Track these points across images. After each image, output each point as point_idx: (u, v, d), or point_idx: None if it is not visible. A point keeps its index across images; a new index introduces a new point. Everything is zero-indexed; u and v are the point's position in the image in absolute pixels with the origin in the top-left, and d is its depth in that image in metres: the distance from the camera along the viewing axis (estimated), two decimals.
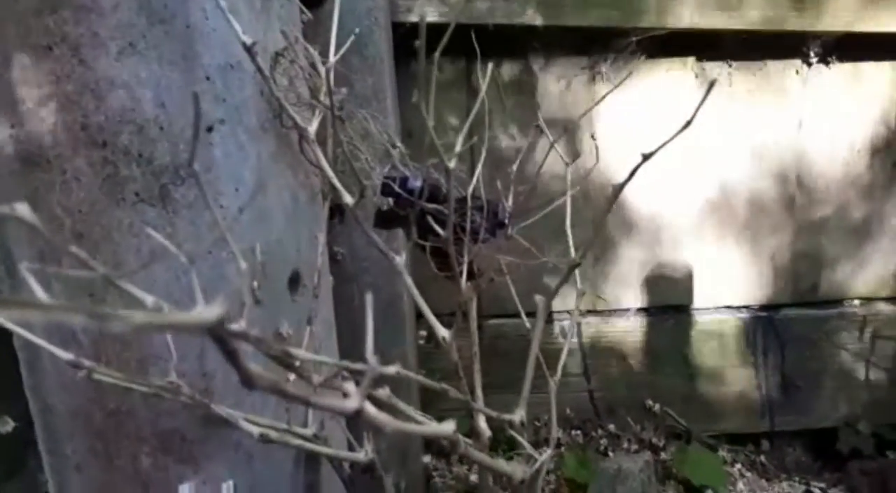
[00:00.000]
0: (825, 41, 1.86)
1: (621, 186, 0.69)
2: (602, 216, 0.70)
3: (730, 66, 1.91)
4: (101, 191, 0.73)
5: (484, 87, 0.71)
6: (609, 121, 1.87)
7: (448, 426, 0.64)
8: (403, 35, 1.57)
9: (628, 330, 2.00)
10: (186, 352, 0.78)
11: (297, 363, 0.63)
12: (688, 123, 0.61)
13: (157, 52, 0.72)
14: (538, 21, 1.68)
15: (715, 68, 1.90)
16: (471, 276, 0.89)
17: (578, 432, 1.97)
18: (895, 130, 2.00)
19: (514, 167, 0.92)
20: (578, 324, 1.89)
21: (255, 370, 0.51)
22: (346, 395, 0.64)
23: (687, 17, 1.73)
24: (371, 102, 1.32)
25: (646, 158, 0.65)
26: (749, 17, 1.75)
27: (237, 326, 0.56)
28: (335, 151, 0.85)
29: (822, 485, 1.97)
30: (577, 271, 1.01)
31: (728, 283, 2.04)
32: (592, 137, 1.89)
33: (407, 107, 1.62)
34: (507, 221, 0.90)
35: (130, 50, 0.71)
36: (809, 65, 1.93)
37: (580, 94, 1.86)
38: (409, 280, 0.80)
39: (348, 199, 0.78)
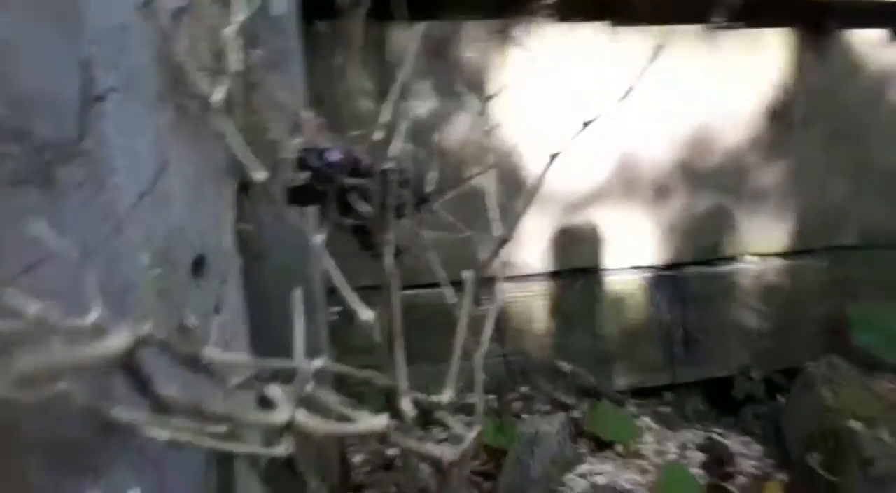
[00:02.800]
0: (729, 5, 1.89)
1: (555, 157, 0.66)
2: (535, 187, 0.66)
3: (643, 30, 1.91)
4: None
5: (410, 58, 0.66)
6: (522, 85, 1.84)
7: (380, 421, 0.60)
8: None
9: (539, 293, 2.02)
10: None
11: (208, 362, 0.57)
12: (626, 94, 0.58)
13: (32, 10, 0.62)
14: None
15: (629, 32, 1.90)
16: (395, 253, 0.84)
17: (493, 396, 1.97)
18: (792, 94, 2.07)
19: (437, 138, 0.87)
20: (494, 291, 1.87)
21: (170, 397, 0.45)
22: (269, 401, 0.58)
23: None
24: (278, 67, 1.22)
25: (585, 125, 0.62)
26: None
27: (144, 329, 0.50)
28: (243, 122, 0.77)
29: (721, 430, 2.07)
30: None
31: (634, 244, 2.08)
32: (496, 95, 1.85)
33: (316, 71, 1.53)
34: (429, 196, 0.85)
35: None
36: (714, 29, 1.95)
37: (494, 57, 1.82)
38: (330, 263, 0.74)
39: (260, 175, 0.71)
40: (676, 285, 2.11)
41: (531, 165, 1.92)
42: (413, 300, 1.85)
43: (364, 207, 0.74)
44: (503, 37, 1.82)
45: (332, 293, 1.57)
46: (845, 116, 2.14)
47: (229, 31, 0.68)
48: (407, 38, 1.67)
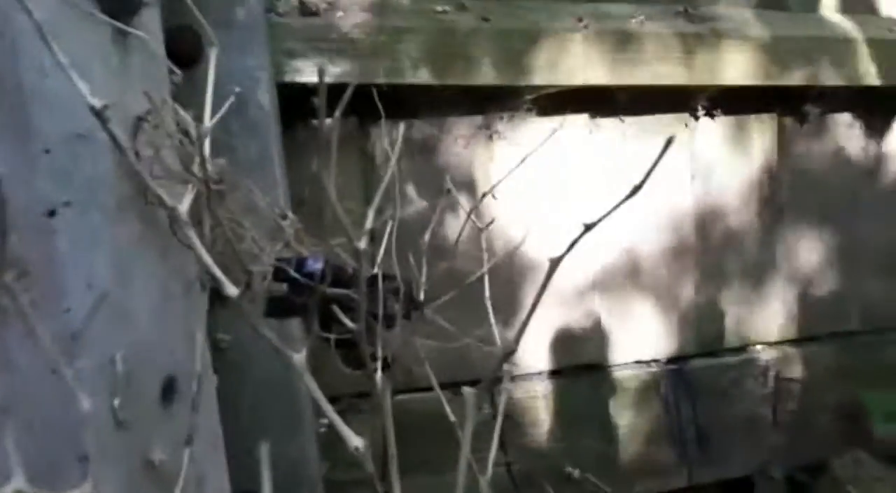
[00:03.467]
0: (711, 95, 1.89)
1: (558, 261, 0.60)
2: (538, 295, 0.60)
3: (622, 121, 1.90)
4: None
5: (395, 153, 0.60)
6: (509, 181, 1.80)
7: None
8: (290, 97, 1.44)
9: (541, 394, 1.91)
10: None
11: None
12: (637, 189, 0.53)
13: None
14: (432, 80, 1.60)
15: (608, 124, 1.89)
16: (384, 367, 0.77)
17: None
18: (777, 178, 2.06)
19: (426, 238, 0.82)
20: (492, 396, 1.78)
21: None
22: None
23: (579, 74, 1.71)
24: (256, 171, 1.18)
25: (588, 228, 0.56)
26: (638, 74, 1.75)
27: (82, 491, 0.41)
28: (213, 231, 0.71)
29: None
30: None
31: (637, 338, 1.99)
32: (493, 197, 1.82)
33: (296, 175, 1.49)
34: (422, 301, 0.78)
35: None
36: (697, 118, 1.96)
37: (479, 152, 1.80)
38: (313, 384, 0.66)
39: (231, 290, 0.64)
40: (683, 380, 2.02)
41: (523, 259, 1.86)
42: (407, 406, 1.74)
43: (348, 320, 0.67)
44: (486, 132, 1.81)
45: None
46: (832, 198, 2.12)
47: (200, 136, 0.63)
48: (390, 137, 1.65)
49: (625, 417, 1.97)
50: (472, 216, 0.85)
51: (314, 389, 0.67)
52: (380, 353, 0.71)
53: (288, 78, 1.47)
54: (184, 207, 0.61)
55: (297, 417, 1.24)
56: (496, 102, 1.77)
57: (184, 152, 0.70)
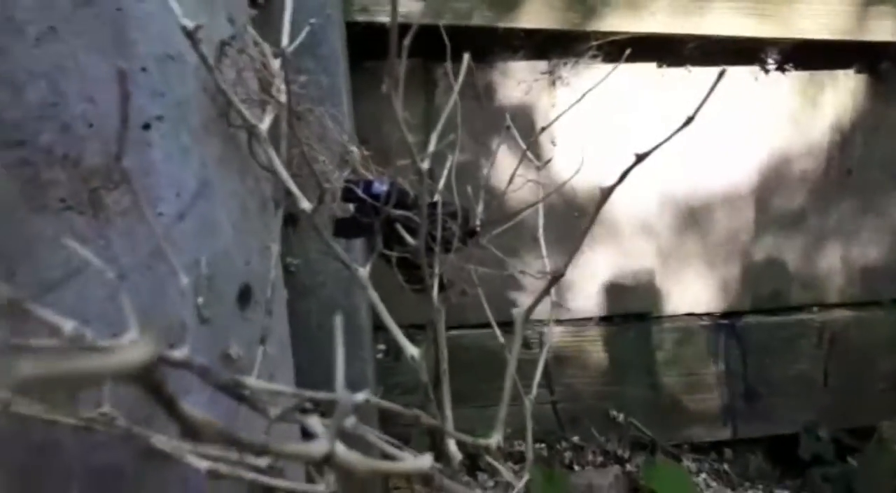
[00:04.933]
0: (783, 48, 1.85)
1: (610, 190, 0.63)
2: (589, 222, 0.64)
3: (689, 71, 1.88)
4: (19, 197, 0.64)
5: (459, 81, 0.64)
6: (569, 127, 1.82)
7: (425, 461, 0.56)
8: (358, 35, 1.48)
9: (591, 339, 1.95)
10: None
11: (249, 393, 0.55)
12: (689, 121, 0.55)
13: (83, 38, 0.63)
14: (497, 22, 1.62)
15: (675, 74, 1.87)
16: (441, 288, 0.82)
17: (542, 445, 1.90)
18: (848, 137, 2.00)
19: (486, 172, 0.85)
20: (541, 335, 1.83)
21: (200, 419, 0.42)
22: (310, 433, 0.56)
23: (648, 20, 1.69)
24: (326, 105, 1.24)
25: (640, 158, 0.59)
26: (709, 23, 1.72)
27: (179, 352, 0.48)
28: (290, 153, 0.77)
29: None
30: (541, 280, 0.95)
31: (690, 290, 2.01)
32: (553, 143, 1.84)
33: (362, 114, 1.54)
34: (478, 228, 0.83)
35: (52, 35, 0.62)
36: (767, 72, 1.92)
37: (540, 98, 1.81)
38: (374, 295, 0.72)
39: (306, 205, 0.70)
40: (735, 335, 2.02)
41: (578, 204, 1.88)
42: (459, 341, 1.81)
43: (410, 240, 0.72)
44: (549, 78, 1.81)
45: (377, 331, 1.56)
46: None
47: (274, 63, 0.68)
48: (452, 77, 1.67)
49: (673, 367, 2.00)
50: (529, 154, 0.88)
51: (375, 300, 0.72)
52: (437, 271, 0.76)
53: (356, 17, 1.51)
54: (264, 125, 0.67)
55: (357, 340, 1.32)
56: (561, 47, 1.77)
57: (262, 77, 0.76)
